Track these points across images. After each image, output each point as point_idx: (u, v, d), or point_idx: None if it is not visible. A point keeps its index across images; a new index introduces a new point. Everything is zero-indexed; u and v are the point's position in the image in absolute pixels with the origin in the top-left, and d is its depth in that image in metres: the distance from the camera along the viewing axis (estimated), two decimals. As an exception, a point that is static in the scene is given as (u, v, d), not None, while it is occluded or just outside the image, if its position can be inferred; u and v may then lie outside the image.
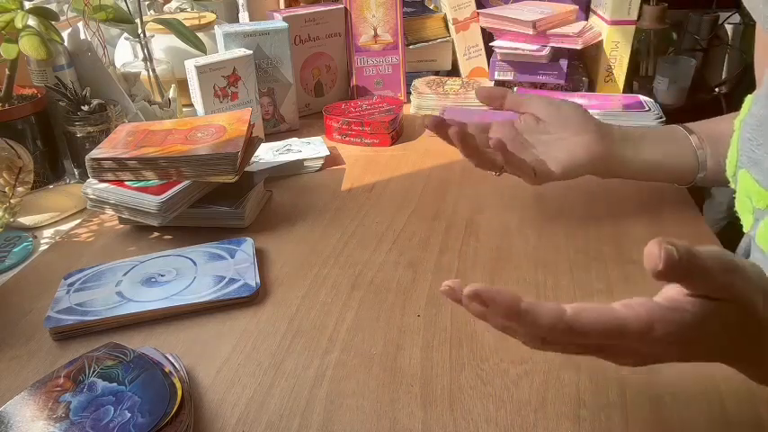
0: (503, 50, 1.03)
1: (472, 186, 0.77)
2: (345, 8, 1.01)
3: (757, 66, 0.61)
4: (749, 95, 0.53)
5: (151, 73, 0.97)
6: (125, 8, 0.95)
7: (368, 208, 0.74)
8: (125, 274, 0.59)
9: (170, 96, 0.97)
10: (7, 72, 0.78)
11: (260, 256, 0.64)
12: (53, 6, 0.89)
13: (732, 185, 0.54)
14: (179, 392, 0.42)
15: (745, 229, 0.52)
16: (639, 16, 1.03)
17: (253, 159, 0.81)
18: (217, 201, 0.70)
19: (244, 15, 1.11)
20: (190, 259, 0.61)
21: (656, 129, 0.71)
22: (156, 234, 0.69)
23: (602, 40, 1.04)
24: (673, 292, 0.33)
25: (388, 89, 1.07)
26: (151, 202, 0.64)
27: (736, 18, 1.74)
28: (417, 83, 1.05)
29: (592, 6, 1.11)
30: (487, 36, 1.09)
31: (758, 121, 0.50)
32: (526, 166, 0.62)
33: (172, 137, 0.70)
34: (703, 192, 1.57)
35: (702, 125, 0.66)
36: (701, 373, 0.47)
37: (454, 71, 1.14)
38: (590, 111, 0.98)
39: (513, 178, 0.65)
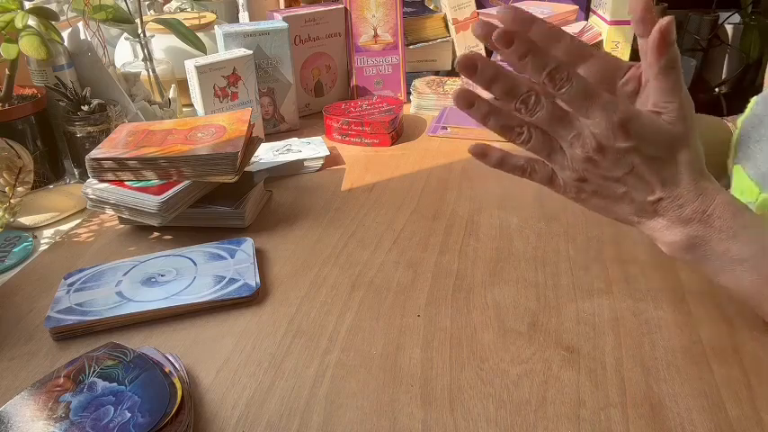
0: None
1: (472, 186, 0.77)
2: (345, 8, 1.01)
3: None
4: (754, 97, 0.55)
5: (151, 73, 0.97)
6: (125, 8, 0.95)
7: (368, 208, 0.74)
8: (125, 274, 0.59)
9: (170, 96, 0.97)
10: (7, 72, 0.78)
11: (260, 256, 0.64)
12: (53, 6, 0.89)
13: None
14: (179, 392, 0.42)
15: None
16: (639, 16, 1.03)
17: (253, 159, 0.81)
18: (217, 201, 0.70)
19: (244, 15, 1.11)
20: (190, 259, 0.61)
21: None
22: (156, 234, 0.69)
23: (602, 40, 1.04)
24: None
25: (388, 89, 1.07)
26: (151, 202, 0.64)
27: (736, 18, 1.74)
28: (417, 83, 1.05)
29: (592, 6, 1.11)
30: (487, 36, 1.09)
31: (758, 120, 0.51)
32: None
33: (172, 137, 0.70)
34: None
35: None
36: (702, 372, 0.47)
37: (454, 71, 1.14)
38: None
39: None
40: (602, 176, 0.44)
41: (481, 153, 0.47)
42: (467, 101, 0.44)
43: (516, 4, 1.10)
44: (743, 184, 0.52)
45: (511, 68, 0.46)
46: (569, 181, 0.45)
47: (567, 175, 0.45)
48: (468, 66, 0.41)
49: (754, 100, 0.55)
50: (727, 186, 0.56)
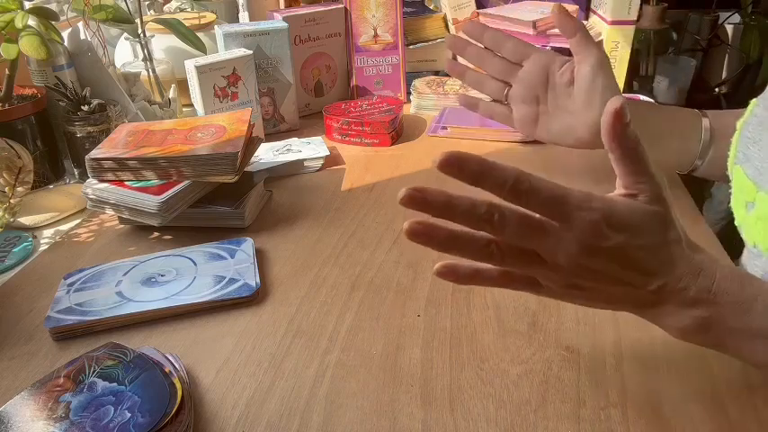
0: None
1: (472, 186, 0.77)
2: (345, 8, 1.01)
3: None
4: (754, 99, 0.55)
5: (151, 73, 0.97)
6: (125, 8, 0.95)
7: (368, 208, 0.74)
8: (125, 274, 0.59)
9: (170, 96, 0.97)
10: (7, 72, 0.78)
11: (260, 256, 0.64)
12: (53, 6, 0.89)
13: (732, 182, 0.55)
14: (179, 392, 0.42)
15: (736, 223, 0.54)
16: (639, 16, 1.03)
17: (253, 159, 0.81)
18: (217, 201, 0.70)
19: (244, 15, 1.11)
20: (190, 259, 0.61)
21: (673, 107, 0.72)
22: (156, 234, 0.69)
23: (602, 40, 1.04)
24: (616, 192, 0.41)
25: (388, 89, 1.07)
26: (151, 202, 0.64)
27: (737, 18, 1.74)
28: (417, 83, 1.05)
29: (592, 6, 1.11)
30: (487, 36, 1.09)
31: (758, 121, 0.51)
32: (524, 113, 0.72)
33: (172, 137, 0.70)
34: (703, 192, 1.57)
35: (719, 116, 0.66)
36: (702, 372, 0.47)
37: (454, 71, 1.14)
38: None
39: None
40: (595, 279, 0.39)
41: (450, 272, 0.42)
42: (421, 233, 0.39)
43: (515, 5, 1.10)
44: (742, 184, 0.52)
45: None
46: (556, 288, 0.41)
47: (553, 284, 0.41)
48: (417, 200, 0.37)
49: (753, 102, 0.55)
50: (728, 185, 0.56)
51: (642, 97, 1.00)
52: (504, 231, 0.37)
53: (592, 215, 0.37)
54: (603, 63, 0.65)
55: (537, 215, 0.37)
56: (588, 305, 0.44)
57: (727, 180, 0.57)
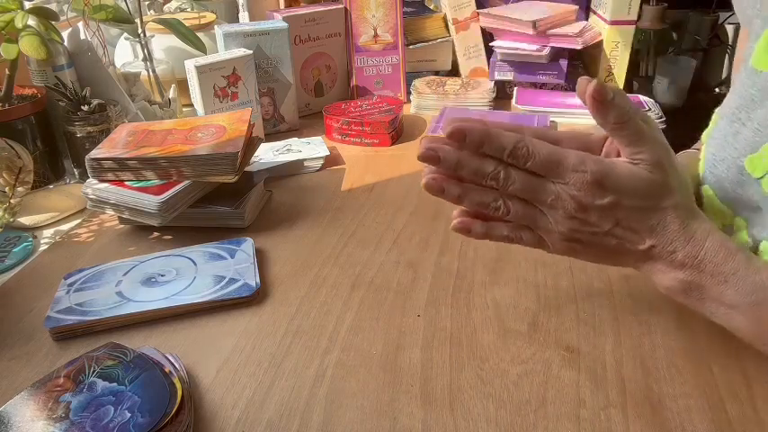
0: (503, 50, 1.03)
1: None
2: (345, 8, 1.01)
3: (733, 74, 0.61)
4: (716, 110, 0.54)
5: (151, 73, 0.97)
6: (125, 8, 0.95)
7: (368, 208, 0.74)
8: (125, 274, 0.59)
9: (170, 96, 0.97)
10: (7, 72, 0.78)
11: (260, 256, 0.64)
12: (53, 6, 0.89)
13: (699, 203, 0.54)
14: (179, 392, 0.42)
15: None
16: (639, 16, 1.03)
17: (253, 159, 0.81)
18: (217, 201, 0.70)
19: (244, 15, 1.11)
20: (190, 259, 0.61)
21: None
22: (156, 234, 0.69)
23: (602, 40, 1.04)
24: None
25: (388, 89, 1.07)
26: (151, 202, 0.64)
27: (736, 18, 1.74)
28: (417, 83, 1.05)
29: (592, 6, 1.11)
30: (487, 36, 1.09)
31: (722, 139, 0.51)
32: None
33: (172, 137, 0.70)
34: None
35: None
36: (702, 372, 0.47)
37: (454, 71, 1.14)
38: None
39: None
40: (591, 233, 0.43)
41: (464, 228, 0.47)
42: (436, 188, 0.44)
43: (516, 5, 1.10)
44: (714, 206, 0.52)
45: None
46: (558, 242, 0.45)
47: (555, 237, 0.45)
48: (431, 156, 0.42)
49: (716, 114, 0.54)
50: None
51: (642, 97, 1.00)
52: (509, 187, 0.42)
53: (585, 176, 0.41)
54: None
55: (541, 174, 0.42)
56: (591, 260, 0.47)
57: None
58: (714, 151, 0.52)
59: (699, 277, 0.42)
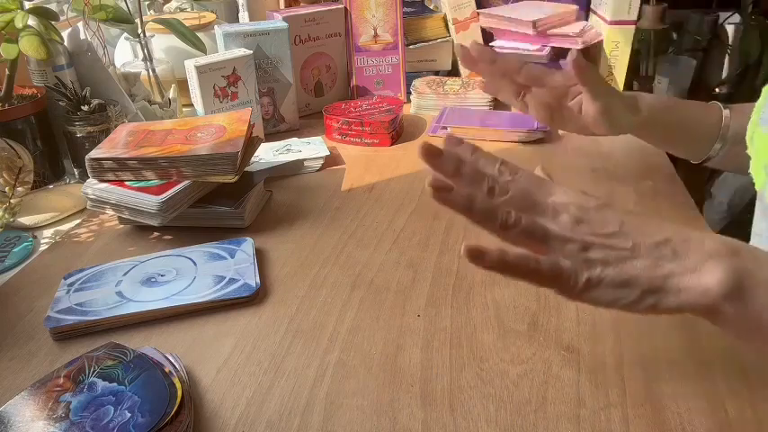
0: (503, 50, 1.03)
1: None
2: (345, 8, 1.01)
3: None
4: None
5: (151, 73, 0.97)
6: (125, 8, 0.95)
7: (368, 208, 0.74)
8: (125, 274, 0.59)
9: (170, 96, 0.97)
10: (7, 72, 0.78)
11: (260, 256, 0.64)
12: (53, 6, 0.89)
13: (749, 150, 0.56)
14: (179, 392, 0.42)
15: (757, 187, 0.54)
16: (639, 16, 1.03)
17: (253, 159, 0.81)
18: (217, 201, 0.70)
19: (244, 15, 1.11)
20: (190, 259, 0.61)
21: (696, 102, 0.71)
22: (156, 234, 0.69)
23: (602, 40, 1.04)
24: None
25: (388, 89, 1.07)
26: (151, 202, 0.64)
27: (737, 18, 1.74)
28: (417, 83, 1.05)
29: (592, 6, 1.11)
30: (487, 36, 1.09)
31: None
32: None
33: (172, 137, 0.70)
34: (703, 192, 1.57)
35: (739, 107, 0.67)
36: (702, 372, 0.47)
37: (454, 71, 1.14)
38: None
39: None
40: (603, 234, 0.40)
41: (477, 255, 0.41)
42: (442, 190, 0.41)
43: (516, 5, 1.10)
44: (764, 144, 0.53)
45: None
46: (575, 256, 0.40)
47: (570, 249, 0.40)
48: (431, 154, 0.41)
49: None
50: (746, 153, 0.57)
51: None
52: (507, 194, 0.42)
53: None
54: (609, 108, 0.65)
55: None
56: (615, 290, 0.40)
57: (740, 171, 0.58)
58: None
59: (742, 263, 0.38)
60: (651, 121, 0.66)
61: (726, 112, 0.66)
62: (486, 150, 0.43)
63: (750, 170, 0.55)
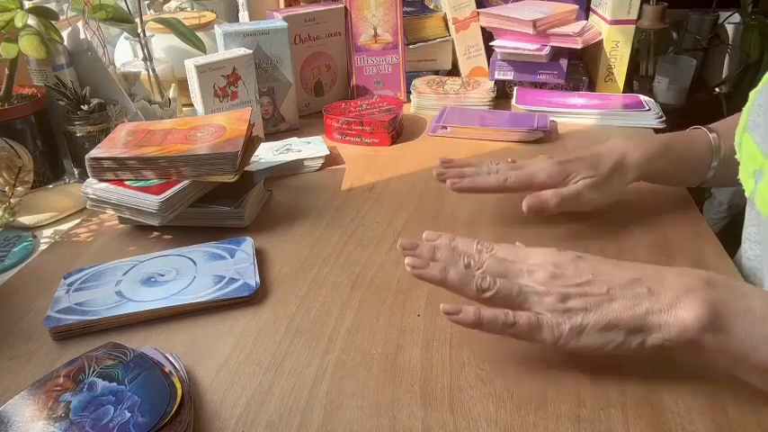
0: (503, 50, 1.03)
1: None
2: (345, 8, 1.01)
3: None
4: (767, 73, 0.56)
5: (151, 72, 0.97)
6: (125, 8, 0.95)
7: (368, 208, 0.74)
8: (125, 274, 0.59)
9: (170, 96, 0.97)
10: (7, 72, 0.78)
11: (260, 255, 0.64)
12: (53, 6, 0.89)
13: (737, 155, 0.56)
14: (179, 392, 0.42)
15: (747, 195, 0.54)
16: (639, 16, 1.03)
17: (253, 159, 0.81)
18: (217, 201, 0.70)
19: (244, 15, 1.11)
20: (190, 259, 0.61)
21: (681, 132, 0.70)
22: (155, 234, 0.69)
23: (602, 40, 1.04)
24: None
25: (388, 89, 1.07)
26: (151, 201, 0.64)
27: (737, 18, 1.74)
28: (417, 82, 1.05)
29: (592, 6, 1.11)
30: (487, 35, 1.09)
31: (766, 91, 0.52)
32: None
33: (171, 136, 0.70)
34: (703, 192, 1.57)
35: (722, 122, 0.67)
36: (702, 373, 0.47)
37: (454, 71, 1.14)
38: (590, 110, 0.98)
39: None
40: (578, 284, 0.44)
41: (453, 313, 0.45)
42: (417, 268, 0.48)
43: (516, 5, 1.10)
44: (750, 152, 0.53)
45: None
46: (554, 308, 0.43)
47: (549, 302, 0.43)
48: (407, 248, 0.49)
49: (767, 75, 0.56)
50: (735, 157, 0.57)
51: (642, 97, 1.00)
52: (484, 261, 0.47)
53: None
54: (596, 198, 0.65)
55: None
56: (600, 333, 0.43)
57: (734, 185, 0.58)
58: (761, 102, 0.53)
59: (718, 294, 0.40)
60: (641, 176, 0.65)
61: (712, 136, 0.65)
62: (460, 236, 0.49)
63: (739, 177, 0.55)
